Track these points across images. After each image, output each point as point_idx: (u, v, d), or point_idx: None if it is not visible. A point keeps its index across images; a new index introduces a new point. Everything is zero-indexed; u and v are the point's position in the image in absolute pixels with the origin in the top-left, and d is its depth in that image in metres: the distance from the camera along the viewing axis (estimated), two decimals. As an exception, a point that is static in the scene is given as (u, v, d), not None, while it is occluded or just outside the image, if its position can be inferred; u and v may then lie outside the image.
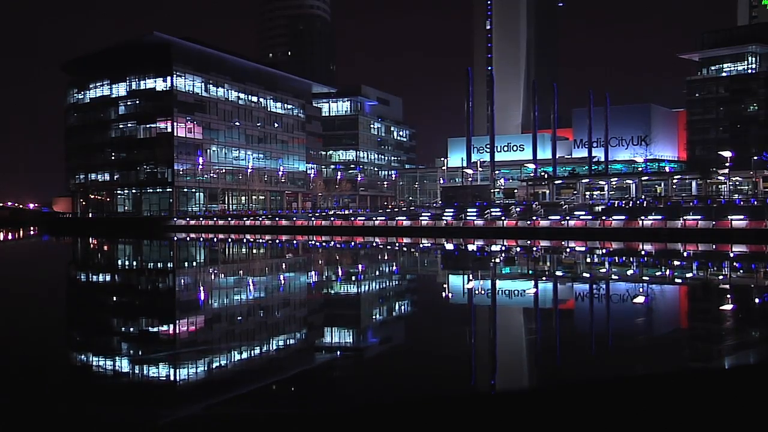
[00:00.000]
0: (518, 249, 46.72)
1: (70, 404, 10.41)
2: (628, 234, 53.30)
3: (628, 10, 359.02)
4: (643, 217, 55.29)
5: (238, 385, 11.34)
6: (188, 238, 68.43)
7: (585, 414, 9.43)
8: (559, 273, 31.14)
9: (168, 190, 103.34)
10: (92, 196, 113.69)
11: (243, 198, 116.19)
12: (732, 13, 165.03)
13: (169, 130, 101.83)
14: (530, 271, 31.88)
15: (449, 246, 51.07)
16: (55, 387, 11.38)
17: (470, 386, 11.27)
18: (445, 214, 70.15)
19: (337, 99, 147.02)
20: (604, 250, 44.51)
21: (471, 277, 29.02)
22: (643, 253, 41.82)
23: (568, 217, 59.88)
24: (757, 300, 21.45)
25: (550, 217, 61.05)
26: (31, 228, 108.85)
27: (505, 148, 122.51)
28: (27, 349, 14.42)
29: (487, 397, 10.61)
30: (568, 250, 45.69)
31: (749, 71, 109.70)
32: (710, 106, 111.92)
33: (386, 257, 42.77)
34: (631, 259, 38.33)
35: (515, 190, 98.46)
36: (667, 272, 30.57)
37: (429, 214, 72.28)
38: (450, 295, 24.26)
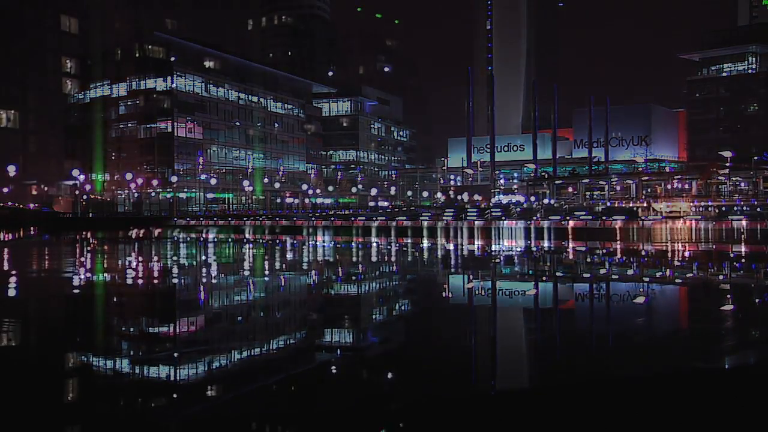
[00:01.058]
0: (518, 249, 46.75)
1: (67, 404, 10.41)
2: (629, 234, 53.33)
3: (629, 10, 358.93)
4: (643, 218, 55.33)
5: (237, 385, 11.33)
6: (188, 238, 68.46)
7: (585, 414, 9.42)
8: (559, 273, 31.14)
9: (168, 190, 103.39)
10: (92, 196, 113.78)
11: (243, 198, 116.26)
12: (732, 13, 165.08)
13: (169, 130, 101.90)
14: (530, 271, 31.88)
15: (449, 246, 51.09)
16: (52, 386, 11.37)
17: (471, 386, 11.26)
18: (445, 214, 70.15)
19: (337, 99, 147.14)
20: (604, 250, 44.51)
21: (471, 277, 29.00)
22: (643, 253, 41.83)
23: (568, 217, 59.89)
24: (756, 300, 21.45)
25: (550, 217, 61.05)
26: (32, 228, 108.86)
27: (505, 148, 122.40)
28: (26, 348, 14.41)
29: (488, 396, 10.61)
30: (568, 250, 45.71)
31: (749, 71, 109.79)
32: (710, 106, 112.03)
33: (386, 257, 42.78)
34: (631, 259, 38.33)
35: (515, 190, 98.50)
36: (668, 272, 30.58)
37: (429, 214, 72.26)
38: (450, 294, 24.25)
